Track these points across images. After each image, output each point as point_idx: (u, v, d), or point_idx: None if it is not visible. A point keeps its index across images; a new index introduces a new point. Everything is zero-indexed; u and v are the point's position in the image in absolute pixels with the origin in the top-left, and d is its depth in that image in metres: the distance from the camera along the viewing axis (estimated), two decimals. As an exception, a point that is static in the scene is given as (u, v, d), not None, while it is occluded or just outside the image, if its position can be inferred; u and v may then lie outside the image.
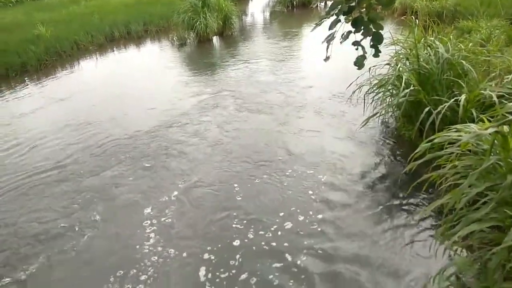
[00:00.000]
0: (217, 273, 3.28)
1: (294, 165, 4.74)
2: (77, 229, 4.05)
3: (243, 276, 3.22)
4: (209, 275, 3.28)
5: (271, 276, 3.19)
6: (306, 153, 4.99)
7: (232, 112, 6.58)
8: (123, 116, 6.94)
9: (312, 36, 10.84)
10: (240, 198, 4.24)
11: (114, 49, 12.77)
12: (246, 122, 6.15)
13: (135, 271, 3.40)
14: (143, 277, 3.31)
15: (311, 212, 3.90)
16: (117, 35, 13.31)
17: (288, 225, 3.76)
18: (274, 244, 3.55)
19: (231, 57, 10.50)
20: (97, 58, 11.89)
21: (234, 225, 3.83)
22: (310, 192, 4.22)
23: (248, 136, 5.70)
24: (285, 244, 3.54)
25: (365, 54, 2.05)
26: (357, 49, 2.06)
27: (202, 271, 3.32)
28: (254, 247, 3.53)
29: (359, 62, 2.05)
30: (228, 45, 12.07)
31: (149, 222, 4.02)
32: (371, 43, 2.07)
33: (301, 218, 3.84)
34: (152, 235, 3.83)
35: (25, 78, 10.19)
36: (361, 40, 2.05)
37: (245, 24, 15.39)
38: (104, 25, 13.17)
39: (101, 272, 3.45)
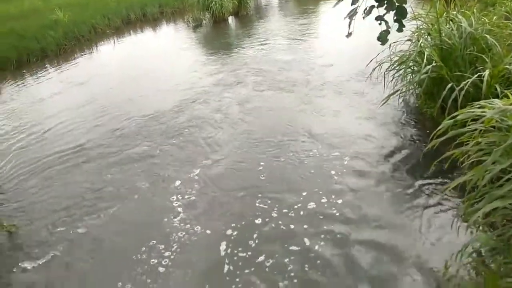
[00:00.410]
0: (235, 251, 3.33)
1: (316, 146, 4.72)
2: (107, 202, 4.19)
3: (261, 258, 3.24)
4: (229, 251, 3.34)
5: (286, 260, 3.18)
6: (328, 133, 4.95)
7: (251, 92, 6.57)
8: (142, 97, 7.03)
9: (331, 12, 10.64)
10: (264, 178, 4.26)
11: (131, 31, 12.84)
12: (266, 102, 6.15)
13: (162, 246, 3.49)
14: (167, 253, 3.41)
15: (333, 194, 3.87)
16: (133, 18, 13.38)
17: (311, 205, 3.75)
18: (293, 225, 3.54)
19: (247, 36, 10.43)
20: (114, 42, 11.99)
21: (257, 204, 3.86)
22: (333, 172, 4.20)
23: (270, 115, 5.70)
24: (305, 226, 3.52)
25: (389, 29, 2.01)
26: (380, 24, 2.02)
27: (223, 248, 3.38)
28: (274, 226, 3.56)
29: (383, 37, 2.02)
30: (244, 25, 11.98)
31: (175, 197, 4.11)
32: (395, 18, 2.02)
33: (323, 199, 3.81)
34: (180, 209, 3.92)
35: (46, 63, 10.39)
36: (384, 14, 2.01)
37: (261, 2, 15.20)
38: (120, 8, 13.23)
39: (133, 241, 3.59)
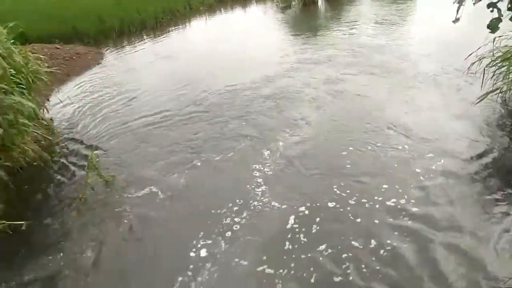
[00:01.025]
0: (301, 232, 3.35)
1: (404, 140, 4.51)
2: (193, 162, 4.49)
3: (322, 246, 3.19)
4: (295, 228, 3.39)
5: (344, 255, 3.08)
6: (417, 128, 4.70)
7: (338, 75, 6.49)
8: (228, 72, 7.31)
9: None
10: (347, 165, 4.18)
11: (222, 10, 13.25)
12: (355, 86, 6.03)
13: (236, 208, 3.69)
14: (237, 219, 3.58)
15: (415, 193, 3.66)
16: (225, -4, 13.76)
17: (390, 201, 3.59)
18: (363, 219, 3.42)
19: (337, 19, 10.22)
20: (206, 18, 12.46)
21: (335, 189, 3.82)
22: (418, 170, 3.97)
23: (358, 100, 5.60)
24: (376, 221, 3.38)
25: (501, 17, 1.88)
26: (492, 11, 1.90)
27: (291, 222, 3.45)
28: (345, 214, 3.50)
29: (493, 26, 1.90)
30: (334, 8, 11.72)
31: (257, 166, 4.27)
32: (509, 5, 1.89)
33: (404, 198, 3.61)
34: (261, 180, 4.06)
35: (143, 34, 11.15)
36: (498, 1, 1.88)
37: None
38: (214, -14, 13.67)
39: (215, 201, 3.85)
